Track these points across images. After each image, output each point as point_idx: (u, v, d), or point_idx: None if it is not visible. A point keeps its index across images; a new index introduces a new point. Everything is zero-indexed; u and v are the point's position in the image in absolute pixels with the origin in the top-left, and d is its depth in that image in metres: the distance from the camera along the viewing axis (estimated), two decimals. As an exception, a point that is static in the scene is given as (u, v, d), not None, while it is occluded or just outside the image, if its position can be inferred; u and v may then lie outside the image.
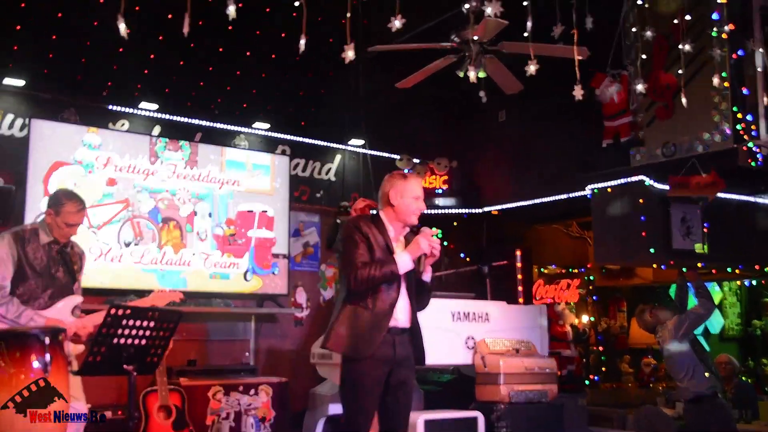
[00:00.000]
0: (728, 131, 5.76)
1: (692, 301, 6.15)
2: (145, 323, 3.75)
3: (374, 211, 7.11)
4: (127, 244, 6.34)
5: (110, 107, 6.63)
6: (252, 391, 6.33)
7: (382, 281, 3.77)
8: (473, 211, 8.53)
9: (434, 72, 5.99)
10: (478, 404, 5.47)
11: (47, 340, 3.83)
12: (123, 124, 6.70)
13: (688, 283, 6.18)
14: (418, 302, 4.00)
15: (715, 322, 9.55)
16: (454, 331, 5.61)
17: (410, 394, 3.95)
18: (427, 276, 3.95)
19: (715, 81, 5.39)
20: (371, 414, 3.80)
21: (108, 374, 3.95)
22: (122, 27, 3.50)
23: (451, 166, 8.46)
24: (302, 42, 3.93)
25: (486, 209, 8.46)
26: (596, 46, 5.80)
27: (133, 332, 3.72)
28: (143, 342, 3.78)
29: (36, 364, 3.71)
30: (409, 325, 3.90)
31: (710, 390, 5.76)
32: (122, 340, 3.70)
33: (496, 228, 8.71)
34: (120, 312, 3.64)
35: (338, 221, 7.38)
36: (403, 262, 3.79)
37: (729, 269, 7.42)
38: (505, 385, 5.40)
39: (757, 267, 7.03)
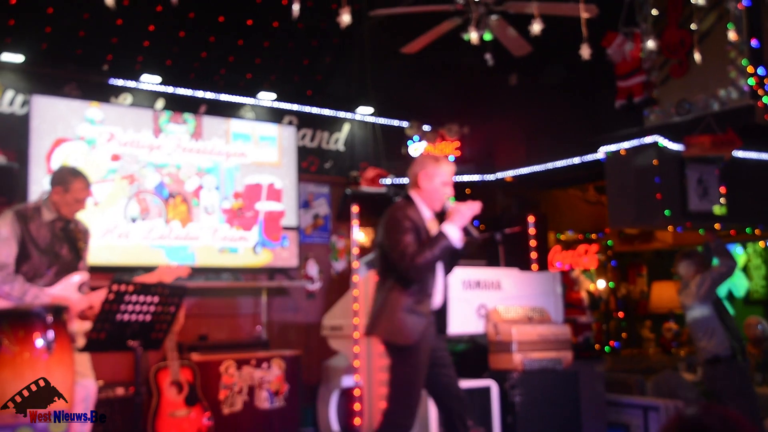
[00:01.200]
0: (746, 87, 5.58)
1: (715, 263, 6.07)
2: (148, 299, 3.72)
3: (384, 182, 7.00)
4: (134, 220, 6.29)
5: (112, 81, 6.54)
6: (265, 365, 6.31)
7: (440, 258, 3.81)
8: (486, 177, 8.39)
9: (441, 36, 5.84)
10: (492, 373, 5.40)
11: (50, 318, 3.82)
12: (125, 98, 6.60)
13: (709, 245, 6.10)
14: (448, 270, 4.10)
15: (740, 285, 9.39)
16: (465, 299, 5.51)
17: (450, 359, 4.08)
18: (460, 243, 3.99)
19: (731, 35, 5.20)
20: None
21: (113, 350, 3.93)
22: (109, -2, 3.41)
23: (463, 132, 8.30)
24: (296, 8, 3.79)
25: (500, 175, 8.31)
26: (608, 3, 5.62)
27: (137, 308, 3.70)
28: (148, 318, 3.76)
29: (39, 343, 3.71)
30: (441, 304, 4.06)
31: (729, 351, 5.69)
32: (126, 317, 3.68)
33: (511, 194, 8.58)
34: (122, 288, 3.61)
35: (347, 192, 7.31)
36: (453, 232, 3.77)
37: (748, 230, 7.26)
38: (519, 353, 5.31)
39: (778, 227, 6.87)
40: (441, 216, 4.01)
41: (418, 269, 3.73)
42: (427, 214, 3.96)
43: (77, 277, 4.05)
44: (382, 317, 3.87)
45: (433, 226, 3.96)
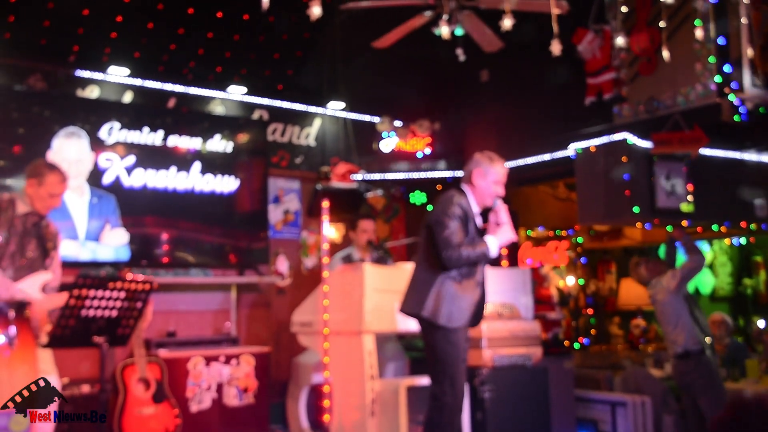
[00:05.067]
0: (712, 86, 5.63)
1: (681, 259, 6.13)
2: (114, 294, 3.66)
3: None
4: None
5: (78, 73, 6.42)
6: (234, 362, 6.25)
7: (477, 261, 4.11)
8: (458, 173, 8.39)
9: (412, 31, 5.82)
10: (462, 369, 5.39)
11: (12, 314, 3.74)
12: (92, 90, 6.49)
13: (676, 242, 6.16)
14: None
15: (706, 282, 9.51)
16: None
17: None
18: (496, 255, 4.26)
19: (698, 33, 5.24)
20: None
21: (77, 347, 3.86)
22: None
23: (434, 127, 8.30)
24: (265, 0, 3.73)
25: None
26: (578, 0, 5.64)
27: (103, 303, 3.64)
28: (114, 313, 3.71)
29: (0, 339, 3.64)
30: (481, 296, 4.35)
31: (698, 346, 5.77)
32: (91, 312, 3.62)
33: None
34: (88, 282, 3.55)
35: (318, 187, 7.25)
36: (493, 247, 4.07)
37: (715, 227, 7.35)
38: (489, 349, 5.31)
39: (743, 224, 6.93)
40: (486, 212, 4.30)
41: (451, 261, 4.00)
42: (475, 209, 4.22)
43: (43, 277, 3.95)
44: (428, 297, 4.08)
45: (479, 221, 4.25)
